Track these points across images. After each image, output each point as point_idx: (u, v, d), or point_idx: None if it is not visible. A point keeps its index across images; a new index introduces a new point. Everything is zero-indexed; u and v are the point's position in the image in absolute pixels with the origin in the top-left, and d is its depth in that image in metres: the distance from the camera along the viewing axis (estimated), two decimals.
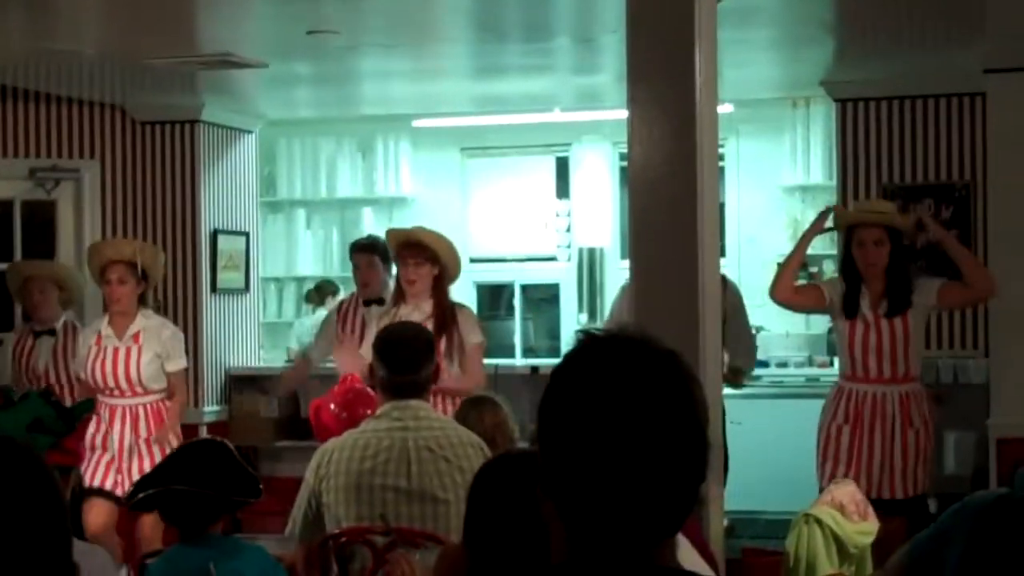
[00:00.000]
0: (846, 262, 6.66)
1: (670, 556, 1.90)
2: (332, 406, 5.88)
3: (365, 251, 7.71)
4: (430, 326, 6.32)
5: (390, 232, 7.14)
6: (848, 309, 6.58)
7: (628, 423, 1.82)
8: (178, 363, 7.27)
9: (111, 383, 7.13)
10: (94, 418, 7.16)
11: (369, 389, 5.62)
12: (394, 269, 7.23)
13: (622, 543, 1.84)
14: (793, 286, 6.83)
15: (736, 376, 7.55)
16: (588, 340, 1.94)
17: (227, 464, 4.16)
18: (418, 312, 6.62)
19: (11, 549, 1.91)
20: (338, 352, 6.89)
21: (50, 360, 7.86)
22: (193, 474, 4.08)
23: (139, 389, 7.16)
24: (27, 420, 6.75)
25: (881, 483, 6.48)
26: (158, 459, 6.78)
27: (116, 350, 7.16)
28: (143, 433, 7.14)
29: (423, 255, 6.68)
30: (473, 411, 5.19)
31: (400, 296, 6.74)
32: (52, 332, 7.88)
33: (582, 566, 1.85)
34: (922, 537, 2.97)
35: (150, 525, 6.76)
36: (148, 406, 7.19)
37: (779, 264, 7.06)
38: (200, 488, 4.02)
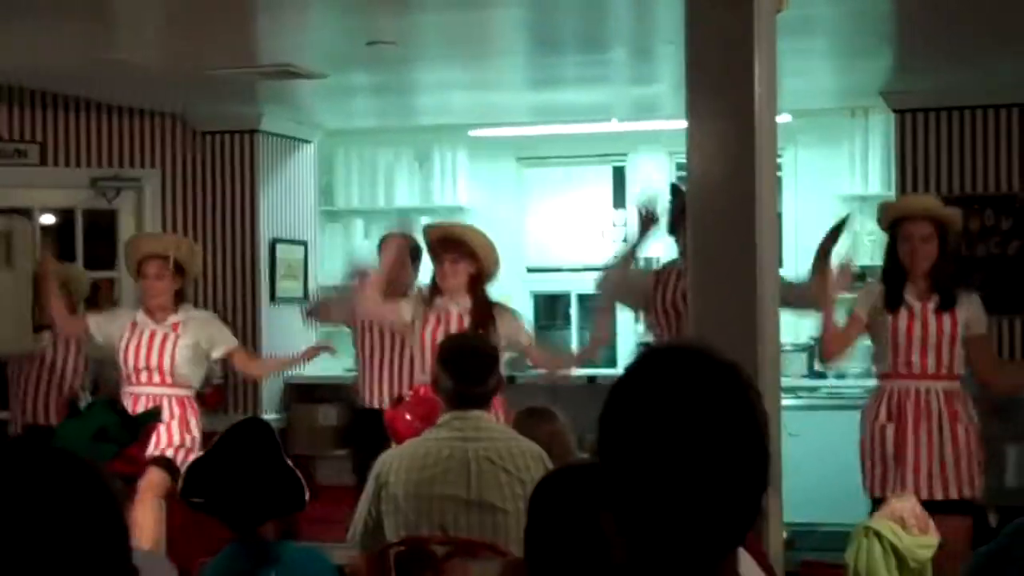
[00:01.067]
0: (889, 261, 6.49)
1: (732, 569, 1.90)
2: (407, 416, 5.90)
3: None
4: (467, 321, 6.40)
5: (427, 228, 7.06)
6: (891, 300, 6.39)
7: (689, 435, 1.83)
8: (231, 341, 7.39)
9: (142, 364, 7.13)
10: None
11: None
12: (424, 266, 7.25)
13: (684, 556, 1.84)
14: (837, 337, 6.59)
15: None
16: (648, 352, 1.95)
17: (275, 460, 4.16)
18: (454, 306, 6.63)
19: (70, 566, 1.92)
20: (360, 296, 6.92)
21: (51, 354, 7.96)
22: (244, 469, 4.08)
23: (168, 378, 7.16)
24: (92, 429, 6.80)
25: (932, 483, 6.31)
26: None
27: (153, 333, 7.17)
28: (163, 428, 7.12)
29: (460, 251, 6.65)
30: (530, 420, 5.20)
31: (436, 291, 6.71)
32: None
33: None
34: (982, 553, 2.95)
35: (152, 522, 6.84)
36: (173, 398, 7.18)
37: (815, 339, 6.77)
38: (250, 491, 4.03)
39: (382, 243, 7.61)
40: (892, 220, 6.51)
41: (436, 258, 6.73)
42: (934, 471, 6.34)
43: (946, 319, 6.36)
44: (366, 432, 7.24)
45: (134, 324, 7.21)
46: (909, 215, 6.44)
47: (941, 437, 6.34)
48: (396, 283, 7.31)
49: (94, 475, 2.01)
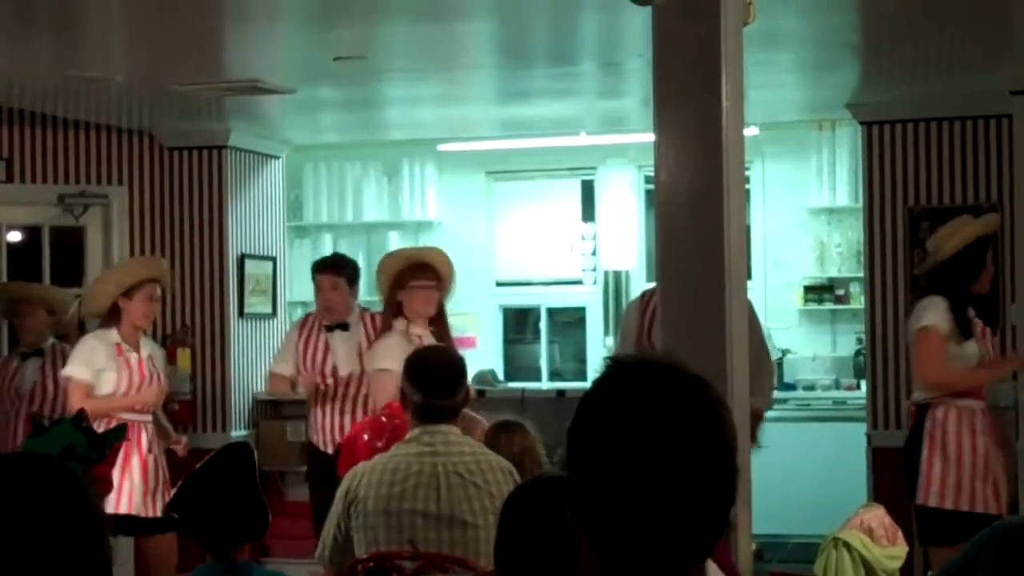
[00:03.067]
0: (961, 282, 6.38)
1: None
2: (365, 436, 5.87)
3: (330, 271, 7.50)
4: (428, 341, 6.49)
5: (391, 256, 7.06)
6: (965, 330, 6.32)
7: (658, 448, 1.83)
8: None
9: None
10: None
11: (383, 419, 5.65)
12: (361, 293, 7.27)
13: (653, 568, 1.85)
14: (946, 375, 6.37)
15: (755, 422, 7.28)
16: (616, 366, 1.95)
17: (252, 485, 4.16)
18: (419, 328, 6.69)
19: (50, 569, 1.93)
20: (301, 384, 7.01)
21: (38, 381, 7.88)
22: (227, 493, 4.08)
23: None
24: (59, 447, 6.76)
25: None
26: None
27: (141, 362, 7.07)
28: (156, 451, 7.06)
29: (432, 277, 6.73)
30: (502, 435, 5.19)
31: (397, 314, 6.74)
32: (40, 353, 7.90)
33: None
34: (951, 564, 2.96)
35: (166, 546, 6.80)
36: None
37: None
38: (222, 518, 4.02)
39: (315, 272, 7.63)
40: (971, 239, 6.42)
41: (403, 285, 6.74)
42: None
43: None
44: (320, 474, 7.04)
45: (120, 349, 7.05)
46: (989, 232, 6.45)
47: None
48: (334, 312, 7.41)
49: (76, 483, 2.02)
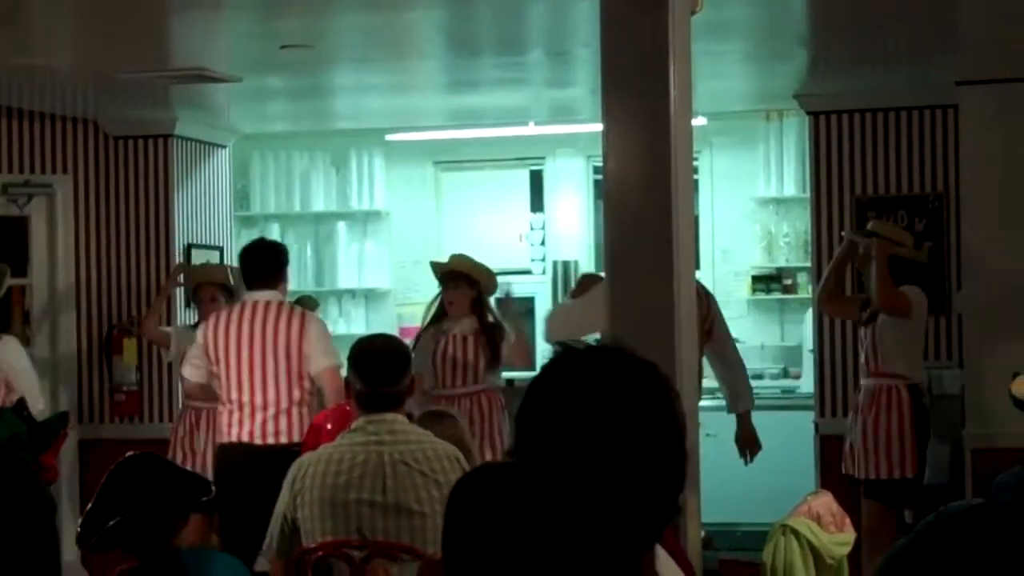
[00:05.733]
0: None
1: (650, 566, 1.90)
2: (329, 426, 5.85)
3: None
4: (471, 341, 7.59)
5: (435, 264, 7.95)
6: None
7: (606, 433, 1.83)
8: None
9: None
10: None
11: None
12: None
13: (601, 553, 1.85)
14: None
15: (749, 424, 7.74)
16: (565, 352, 1.94)
17: (166, 473, 4.07)
18: (457, 327, 7.66)
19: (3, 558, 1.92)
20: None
21: None
22: (139, 494, 3.96)
23: None
24: (4, 437, 6.71)
25: None
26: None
27: None
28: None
29: (460, 280, 7.73)
30: (436, 426, 5.17)
31: (443, 315, 7.70)
32: None
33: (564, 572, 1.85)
34: (897, 548, 2.97)
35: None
36: None
37: None
38: (150, 505, 3.92)
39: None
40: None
41: (444, 288, 7.74)
42: None
43: None
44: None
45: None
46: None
47: None
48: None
49: (29, 472, 2.01)
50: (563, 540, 1.85)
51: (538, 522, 1.86)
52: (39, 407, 7.27)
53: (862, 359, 7.38)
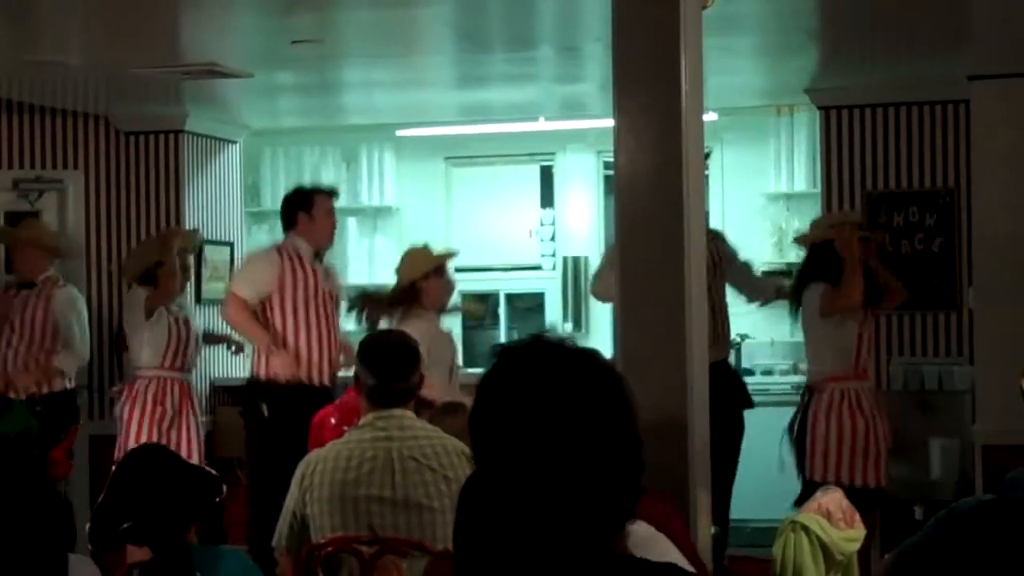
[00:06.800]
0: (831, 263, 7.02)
1: (622, 546, 1.96)
2: (332, 420, 5.85)
3: (334, 195, 7.64)
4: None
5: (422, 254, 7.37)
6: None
7: (556, 424, 1.87)
8: None
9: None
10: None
11: None
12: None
13: (569, 540, 1.88)
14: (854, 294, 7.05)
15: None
16: (507, 350, 1.98)
17: (177, 469, 4.06)
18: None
19: (12, 550, 1.92)
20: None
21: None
22: (152, 494, 3.95)
23: None
24: (15, 432, 6.73)
25: None
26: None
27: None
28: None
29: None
30: (447, 418, 5.17)
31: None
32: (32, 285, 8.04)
33: (541, 560, 1.88)
34: (907, 544, 2.97)
35: None
36: None
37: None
38: (163, 504, 3.91)
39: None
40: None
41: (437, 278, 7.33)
42: None
43: None
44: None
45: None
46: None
47: None
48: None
49: (38, 466, 2.02)
50: (528, 533, 1.88)
51: (502, 520, 1.90)
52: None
53: (854, 361, 7.09)
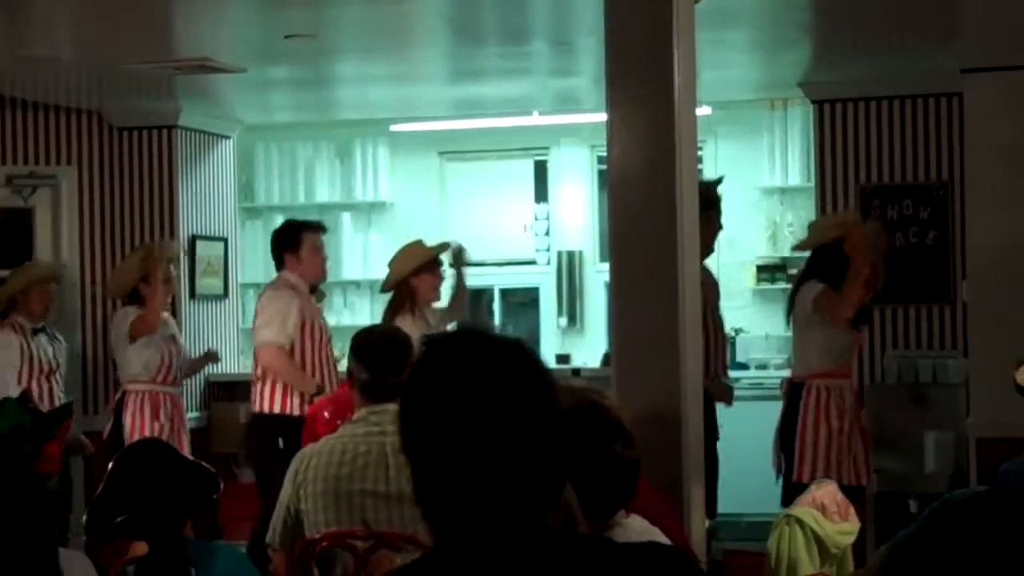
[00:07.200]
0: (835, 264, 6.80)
1: (555, 525, 2.01)
2: (326, 414, 5.85)
3: (322, 230, 7.67)
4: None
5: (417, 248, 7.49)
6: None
7: (483, 409, 1.92)
8: None
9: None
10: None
11: None
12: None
13: (500, 521, 1.93)
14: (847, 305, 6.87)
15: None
16: (432, 343, 2.03)
17: (175, 464, 4.06)
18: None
19: (5, 546, 1.92)
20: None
21: None
22: (149, 487, 3.95)
23: None
24: (7, 427, 6.71)
25: None
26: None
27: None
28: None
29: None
30: None
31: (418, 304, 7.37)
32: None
33: (483, 543, 1.93)
34: (901, 536, 2.97)
35: None
36: None
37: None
38: (161, 499, 3.91)
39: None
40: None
41: (430, 273, 7.45)
42: None
43: None
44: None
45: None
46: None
47: None
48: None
49: (24, 462, 2.02)
50: (458, 521, 1.94)
51: (431, 510, 1.96)
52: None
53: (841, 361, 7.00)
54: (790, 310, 7.03)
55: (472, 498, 1.92)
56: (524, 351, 1.99)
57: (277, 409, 7.24)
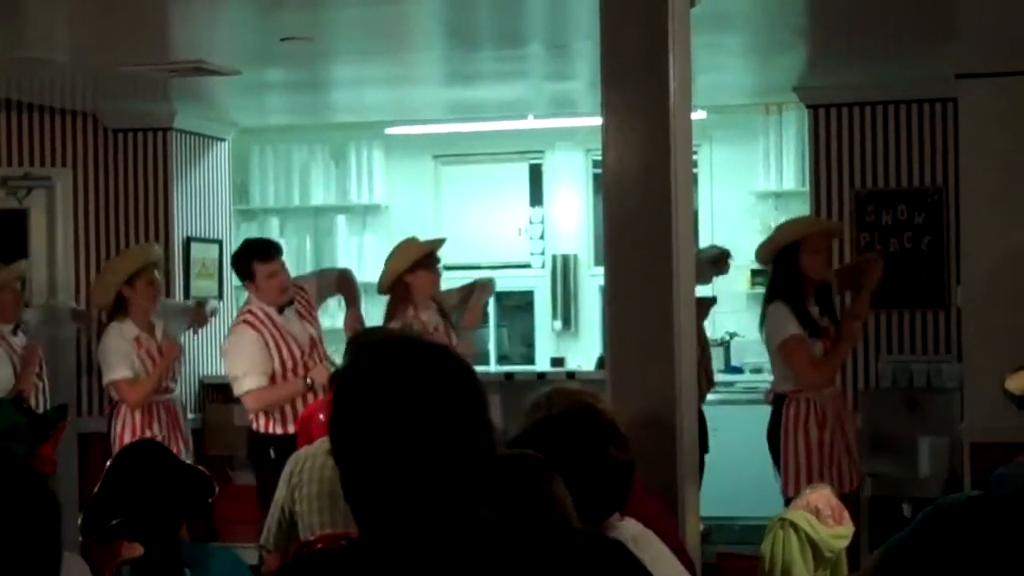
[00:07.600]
0: (792, 279, 6.68)
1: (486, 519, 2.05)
2: (321, 417, 5.85)
3: (280, 254, 7.42)
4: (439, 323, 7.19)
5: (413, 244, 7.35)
6: (813, 331, 6.68)
7: (410, 411, 1.98)
8: None
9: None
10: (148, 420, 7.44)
11: None
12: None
13: (430, 519, 1.97)
14: (827, 370, 6.79)
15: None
16: (361, 348, 2.15)
17: (170, 466, 4.06)
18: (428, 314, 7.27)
19: (4, 554, 1.93)
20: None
21: None
22: (145, 490, 3.95)
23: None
24: (2, 428, 6.71)
25: None
26: None
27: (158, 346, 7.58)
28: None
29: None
30: None
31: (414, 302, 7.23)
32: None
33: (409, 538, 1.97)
34: (895, 540, 2.98)
35: None
36: None
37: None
38: (157, 501, 3.91)
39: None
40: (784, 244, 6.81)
41: (426, 270, 7.27)
42: None
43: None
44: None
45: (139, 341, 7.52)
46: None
47: None
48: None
49: (29, 468, 2.03)
50: (384, 514, 1.98)
51: (361, 507, 2.00)
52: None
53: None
54: (762, 325, 6.88)
55: (397, 496, 1.97)
56: (448, 355, 2.05)
57: (263, 429, 7.11)
